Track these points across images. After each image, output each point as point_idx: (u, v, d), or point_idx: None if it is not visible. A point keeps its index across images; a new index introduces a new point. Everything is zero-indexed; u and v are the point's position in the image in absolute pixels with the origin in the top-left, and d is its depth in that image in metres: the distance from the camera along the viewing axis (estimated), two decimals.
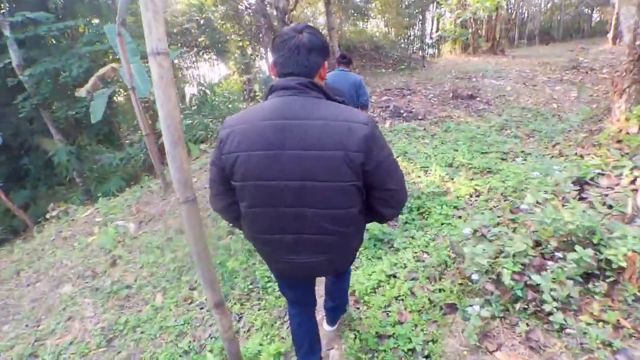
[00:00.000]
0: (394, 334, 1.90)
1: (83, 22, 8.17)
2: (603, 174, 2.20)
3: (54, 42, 8.12)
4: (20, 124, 7.96)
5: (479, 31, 14.16)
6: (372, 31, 16.40)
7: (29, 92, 7.12)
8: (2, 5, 6.87)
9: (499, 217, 2.13)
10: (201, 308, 2.58)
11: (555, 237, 1.65)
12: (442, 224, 2.97)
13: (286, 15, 7.02)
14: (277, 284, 2.20)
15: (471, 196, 3.37)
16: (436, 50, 16.64)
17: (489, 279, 1.70)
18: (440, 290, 2.17)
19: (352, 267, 2.49)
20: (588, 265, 1.58)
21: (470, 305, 1.66)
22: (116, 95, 8.84)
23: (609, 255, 1.59)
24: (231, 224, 1.38)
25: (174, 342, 2.30)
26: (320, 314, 2.08)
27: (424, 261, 2.55)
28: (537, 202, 1.94)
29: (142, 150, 6.55)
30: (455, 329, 1.82)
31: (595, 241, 1.66)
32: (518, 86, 8.19)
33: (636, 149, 2.59)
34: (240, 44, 13.69)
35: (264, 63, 14.81)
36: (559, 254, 1.62)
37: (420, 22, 15.49)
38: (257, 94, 9.82)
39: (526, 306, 1.61)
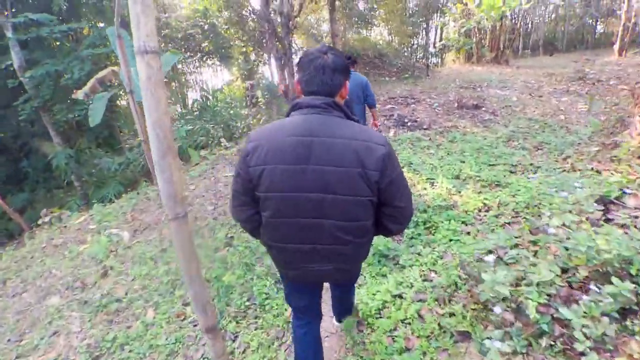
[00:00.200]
0: None
1: (87, 24, 8.13)
2: (628, 193, 2.05)
3: (58, 44, 8.08)
4: (21, 126, 7.88)
5: (483, 41, 14.14)
6: (376, 39, 16.40)
7: (29, 94, 7.05)
8: (6, 6, 6.82)
9: (516, 237, 1.98)
10: (194, 325, 2.42)
11: (587, 266, 1.49)
12: (450, 240, 2.82)
13: (290, 21, 6.96)
14: (282, 293, 2.20)
15: (480, 211, 3.23)
16: (439, 60, 16.62)
17: (508, 307, 1.54)
18: (450, 314, 2.01)
19: (355, 284, 2.35)
20: (626, 301, 1.41)
21: (489, 338, 1.50)
22: (119, 98, 8.77)
23: None
24: (250, 234, 1.43)
25: None
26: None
27: (431, 281, 2.40)
28: (564, 224, 1.78)
29: (141, 155, 6.44)
30: None
31: (633, 272, 1.49)
32: (524, 97, 8.09)
33: None
34: (244, 49, 13.68)
35: (267, 69, 14.80)
36: (593, 287, 1.45)
37: (424, 30, 15.49)
38: (259, 99, 9.73)
39: (553, 342, 1.45)
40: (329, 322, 2.24)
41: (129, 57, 4.49)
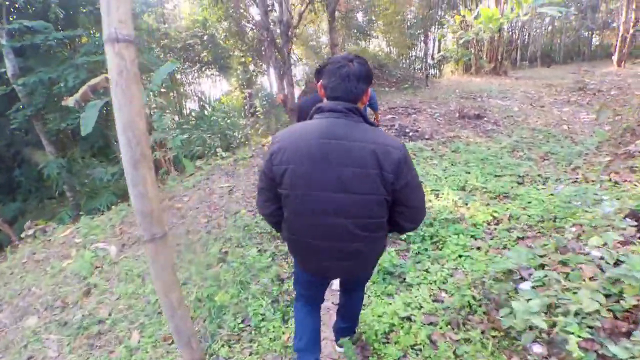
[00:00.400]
0: None
1: (84, 32, 8.03)
2: None
3: (55, 52, 7.96)
4: (14, 134, 7.71)
5: (480, 52, 14.19)
6: (374, 50, 16.46)
7: (22, 103, 6.90)
8: (1, 13, 6.71)
9: (540, 256, 1.79)
10: None
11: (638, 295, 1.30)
12: (460, 256, 2.64)
13: (290, 29, 6.89)
14: (280, 314, 2.29)
15: (489, 224, 3.05)
16: (437, 71, 16.66)
17: (538, 338, 1.34)
18: (466, 340, 1.82)
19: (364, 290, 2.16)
20: None
21: None
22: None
23: None
24: (273, 227, 1.51)
25: None
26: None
27: (442, 301, 2.21)
28: (605, 244, 1.59)
29: None
30: None
31: None
32: (525, 107, 8.00)
33: None
34: (243, 59, 13.66)
35: (266, 79, 14.77)
36: None
37: (422, 42, 15.56)
38: (257, 109, 9.63)
39: None
40: (330, 348, 2.04)
41: None
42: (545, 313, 1.32)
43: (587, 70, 12.28)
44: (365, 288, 2.19)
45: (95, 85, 4.29)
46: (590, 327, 1.26)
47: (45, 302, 2.73)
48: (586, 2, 18.57)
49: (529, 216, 2.88)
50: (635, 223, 1.74)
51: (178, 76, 13.54)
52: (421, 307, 2.18)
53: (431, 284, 2.40)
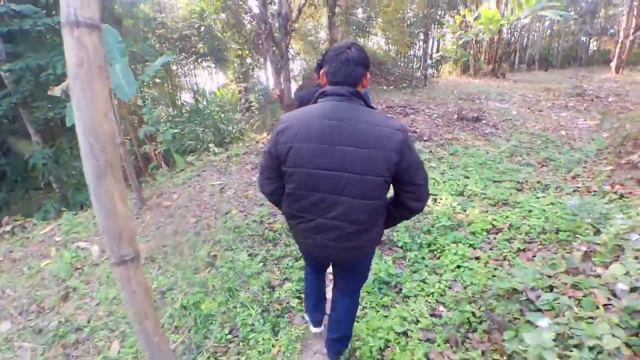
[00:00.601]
0: None
1: None
2: None
3: (46, 38, 7.66)
4: (0, 122, 7.42)
5: (479, 54, 14.12)
6: (373, 48, 16.30)
7: (8, 90, 6.63)
8: None
9: (549, 276, 1.69)
10: None
11: None
12: (458, 266, 2.54)
13: (288, 23, 6.70)
14: (270, 324, 2.23)
15: (488, 232, 2.96)
16: (435, 70, 16.56)
17: None
18: None
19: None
20: None
21: None
22: None
23: None
24: (274, 204, 1.56)
25: None
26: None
27: (440, 316, 2.11)
28: (627, 273, 1.49)
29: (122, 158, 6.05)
30: None
31: None
32: (523, 111, 7.94)
33: None
34: (240, 52, 13.41)
35: (263, 73, 14.54)
36: None
37: (421, 41, 15.43)
38: (252, 103, 9.44)
39: None
40: None
41: (117, 54, 4.20)
42: (555, 342, 1.21)
43: (584, 75, 12.31)
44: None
45: None
46: None
47: (20, 306, 2.57)
48: (586, 7, 18.60)
49: (529, 226, 2.79)
50: None
51: (173, 67, 13.25)
52: (418, 321, 2.08)
53: (428, 296, 2.30)
